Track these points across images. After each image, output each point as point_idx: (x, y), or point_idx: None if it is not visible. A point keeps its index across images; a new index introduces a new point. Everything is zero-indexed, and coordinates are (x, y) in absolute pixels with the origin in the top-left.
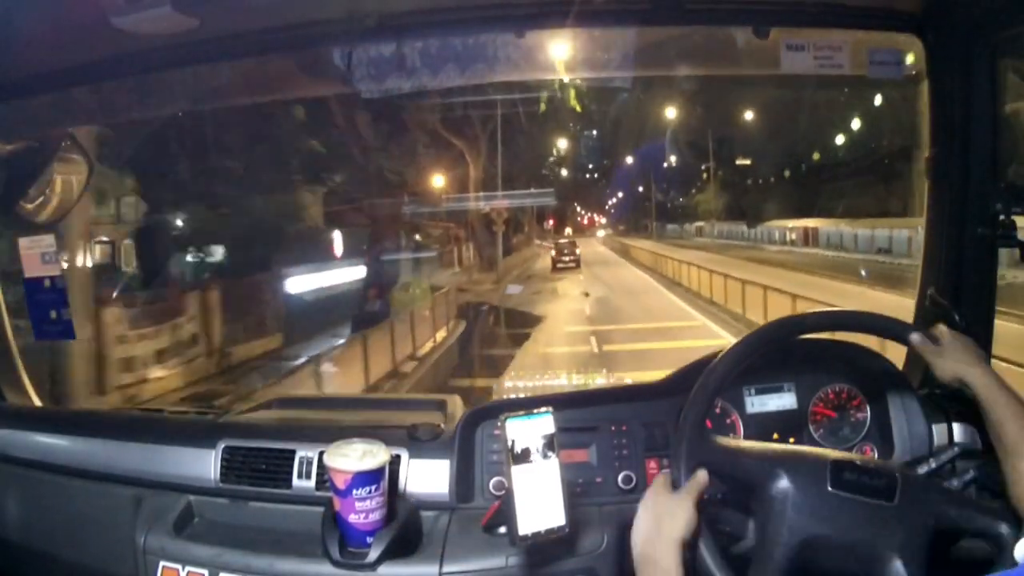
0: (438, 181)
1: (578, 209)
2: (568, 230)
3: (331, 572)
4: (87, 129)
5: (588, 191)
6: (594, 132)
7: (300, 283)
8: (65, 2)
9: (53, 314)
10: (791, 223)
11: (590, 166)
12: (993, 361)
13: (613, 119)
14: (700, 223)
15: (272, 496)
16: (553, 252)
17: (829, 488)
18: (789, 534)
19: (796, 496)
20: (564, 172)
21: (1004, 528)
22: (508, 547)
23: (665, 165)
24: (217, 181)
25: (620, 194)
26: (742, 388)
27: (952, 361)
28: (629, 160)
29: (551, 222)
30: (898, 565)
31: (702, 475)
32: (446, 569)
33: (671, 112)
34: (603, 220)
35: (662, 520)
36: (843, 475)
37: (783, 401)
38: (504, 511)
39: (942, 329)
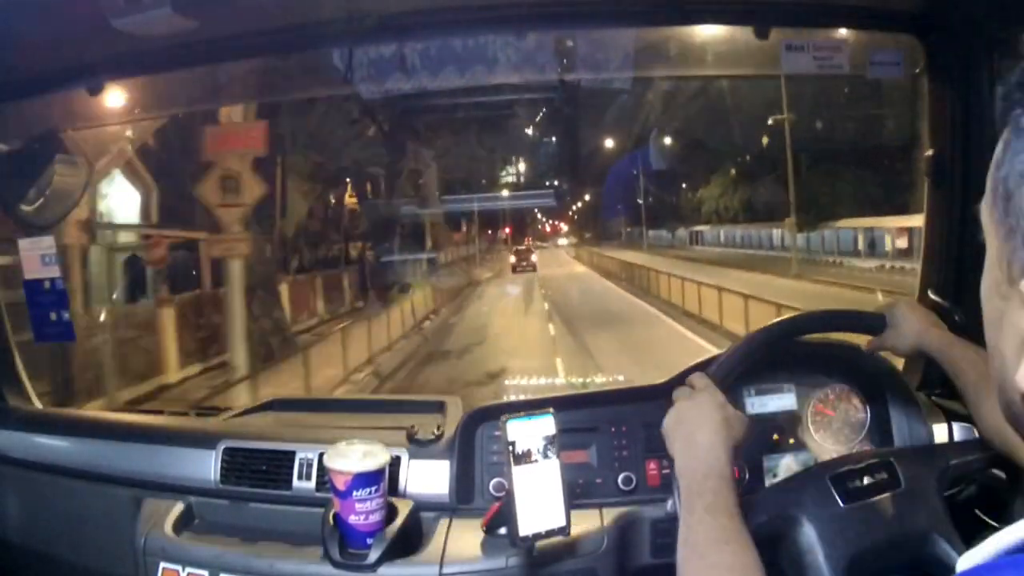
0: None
1: (538, 215)
2: (528, 240)
3: (331, 573)
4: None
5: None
6: (553, 139)
7: None
8: (65, 3)
9: (53, 316)
10: (889, 221)
11: (550, 172)
12: None
13: (577, 119)
14: (700, 227)
15: (272, 497)
16: (513, 258)
17: (842, 506)
18: (832, 571)
19: (819, 529)
20: (518, 169)
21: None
22: (508, 548)
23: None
24: None
25: (587, 197)
26: (742, 389)
27: (905, 333)
28: (608, 143)
29: (507, 230)
30: (939, 541)
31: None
32: (446, 570)
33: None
34: (564, 227)
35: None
36: (847, 486)
37: (783, 402)
38: (504, 512)
39: (887, 306)
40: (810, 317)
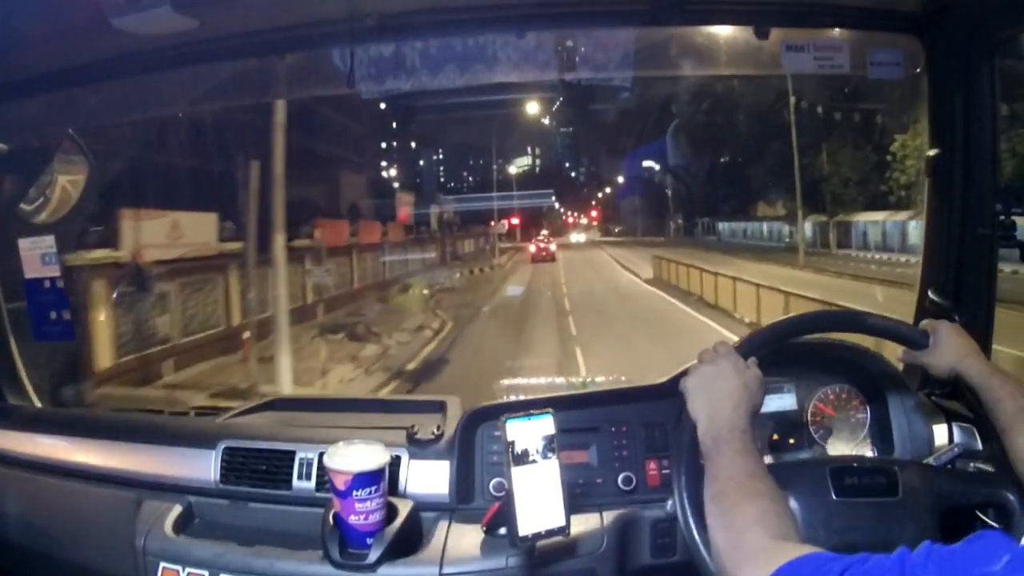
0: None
1: (557, 207)
2: (545, 232)
3: (331, 573)
4: None
5: (568, 187)
6: (571, 128)
7: None
8: (65, 2)
9: (53, 315)
10: None
11: (567, 164)
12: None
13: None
14: (859, 216)
15: (272, 497)
16: (533, 248)
17: (834, 497)
18: None
19: (804, 514)
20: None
21: (1009, 496)
22: (508, 548)
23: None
24: None
25: (620, 179)
26: None
27: (945, 355)
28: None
29: (512, 222)
30: None
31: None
32: (446, 570)
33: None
34: (584, 219)
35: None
36: (845, 481)
37: (783, 402)
38: (504, 512)
39: (932, 324)
40: (848, 315)
